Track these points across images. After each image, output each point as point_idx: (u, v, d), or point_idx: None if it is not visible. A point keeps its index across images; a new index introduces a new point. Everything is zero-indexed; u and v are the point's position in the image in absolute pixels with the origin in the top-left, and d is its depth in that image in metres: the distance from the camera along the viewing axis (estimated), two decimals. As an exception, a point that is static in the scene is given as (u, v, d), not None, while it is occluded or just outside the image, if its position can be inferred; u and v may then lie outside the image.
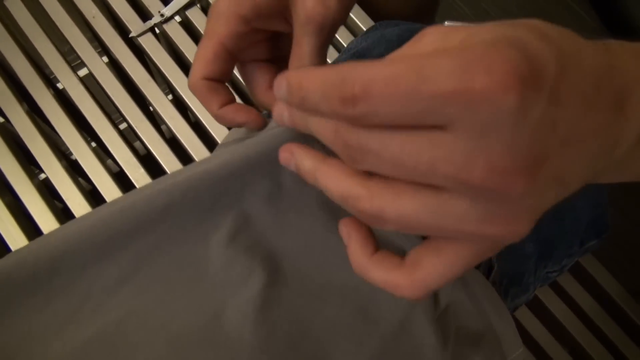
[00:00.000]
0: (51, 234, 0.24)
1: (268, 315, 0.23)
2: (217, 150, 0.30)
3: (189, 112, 0.48)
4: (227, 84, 0.26)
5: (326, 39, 0.25)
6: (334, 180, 0.16)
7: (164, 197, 0.24)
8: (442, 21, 0.94)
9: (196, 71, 0.25)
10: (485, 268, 0.34)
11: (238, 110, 0.25)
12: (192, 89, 0.25)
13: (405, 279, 0.16)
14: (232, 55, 0.25)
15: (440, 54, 0.13)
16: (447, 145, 0.13)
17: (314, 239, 0.26)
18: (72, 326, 0.21)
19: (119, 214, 0.23)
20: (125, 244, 0.23)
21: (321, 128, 0.16)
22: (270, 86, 0.27)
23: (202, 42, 0.25)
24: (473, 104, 0.12)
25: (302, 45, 0.25)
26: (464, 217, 0.15)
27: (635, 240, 0.90)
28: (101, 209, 0.25)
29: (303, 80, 0.15)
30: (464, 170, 0.13)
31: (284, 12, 0.25)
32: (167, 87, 0.49)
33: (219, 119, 0.25)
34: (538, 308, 0.47)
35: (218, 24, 0.25)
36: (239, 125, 0.26)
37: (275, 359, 0.21)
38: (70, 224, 0.24)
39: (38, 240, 0.23)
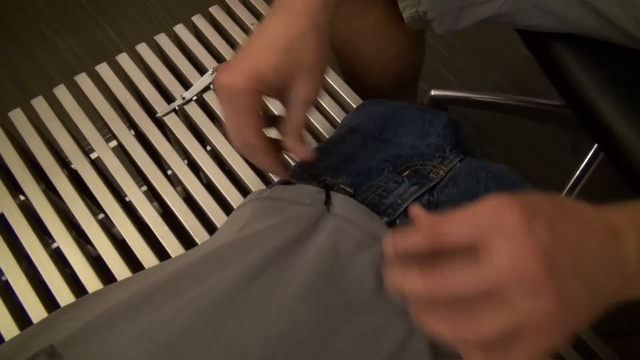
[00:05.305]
0: (141, 278, 0.34)
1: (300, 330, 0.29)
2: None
3: (201, 174, 0.56)
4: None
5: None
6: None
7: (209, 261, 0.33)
8: (429, 89, 1.04)
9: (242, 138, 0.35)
10: None
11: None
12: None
13: None
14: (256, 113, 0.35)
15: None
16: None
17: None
18: (147, 337, 0.28)
19: (190, 265, 0.33)
20: (192, 285, 0.31)
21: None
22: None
23: (235, 116, 0.34)
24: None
25: (296, 113, 0.36)
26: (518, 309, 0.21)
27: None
28: (176, 260, 0.35)
29: None
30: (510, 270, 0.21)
31: (284, 90, 0.35)
32: (183, 153, 0.58)
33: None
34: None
35: (243, 99, 0.33)
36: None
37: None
38: (153, 271, 0.34)
39: (133, 280, 0.34)
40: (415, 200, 0.38)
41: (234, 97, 0.33)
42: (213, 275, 0.32)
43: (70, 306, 0.34)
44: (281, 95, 0.36)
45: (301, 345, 0.28)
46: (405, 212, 0.38)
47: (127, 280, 0.36)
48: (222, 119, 0.37)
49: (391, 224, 0.37)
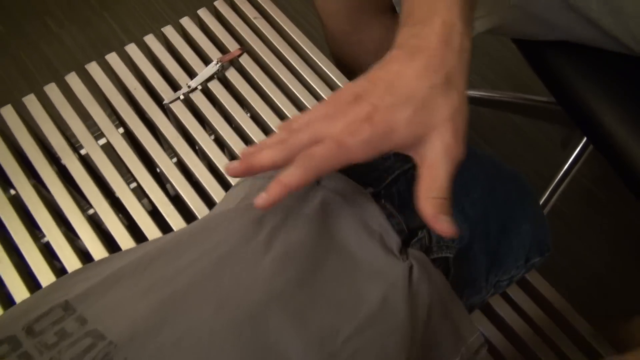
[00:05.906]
0: (146, 244, 0.37)
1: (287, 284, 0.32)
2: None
3: (204, 161, 0.60)
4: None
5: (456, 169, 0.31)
6: None
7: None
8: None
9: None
10: (444, 272, 0.42)
11: None
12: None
13: None
14: None
15: None
16: None
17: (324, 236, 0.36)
18: (152, 293, 0.31)
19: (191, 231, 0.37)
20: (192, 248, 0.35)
21: None
22: None
23: (340, 152, 0.31)
24: None
25: (438, 169, 0.31)
26: None
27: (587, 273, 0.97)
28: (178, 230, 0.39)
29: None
30: None
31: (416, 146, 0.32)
32: (187, 139, 0.61)
33: None
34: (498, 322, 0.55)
35: (359, 149, 0.31)
36: None
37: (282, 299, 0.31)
38: (157, 239, 0.38)
39: (140, 247, 0.37)
40: (400, 174, 0.42)
41: (341, 154, 0.31)
42: (213, 239, 0.35)
43: (79, 270, 0.38)
44: (414, 150, 0.33)
45: (292, 297, 0.32)
46: (390, 184, 0.42)
47: (132, 248, 0.40)
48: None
49: (376, 195, 0.40)
